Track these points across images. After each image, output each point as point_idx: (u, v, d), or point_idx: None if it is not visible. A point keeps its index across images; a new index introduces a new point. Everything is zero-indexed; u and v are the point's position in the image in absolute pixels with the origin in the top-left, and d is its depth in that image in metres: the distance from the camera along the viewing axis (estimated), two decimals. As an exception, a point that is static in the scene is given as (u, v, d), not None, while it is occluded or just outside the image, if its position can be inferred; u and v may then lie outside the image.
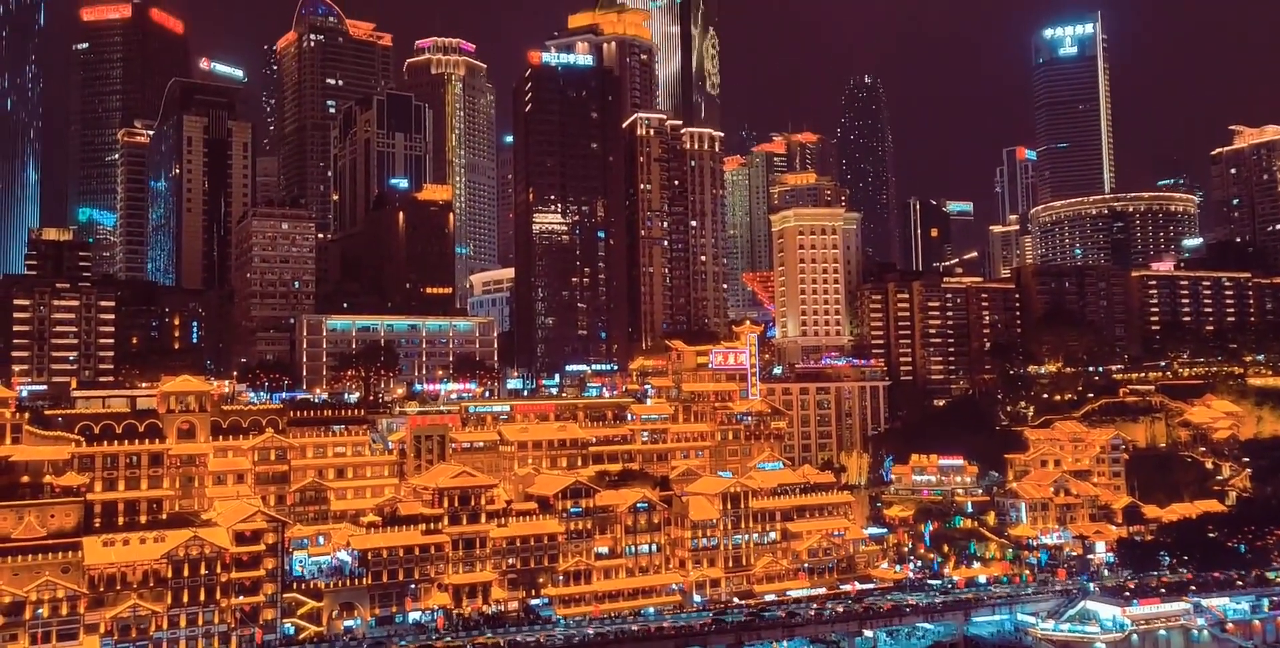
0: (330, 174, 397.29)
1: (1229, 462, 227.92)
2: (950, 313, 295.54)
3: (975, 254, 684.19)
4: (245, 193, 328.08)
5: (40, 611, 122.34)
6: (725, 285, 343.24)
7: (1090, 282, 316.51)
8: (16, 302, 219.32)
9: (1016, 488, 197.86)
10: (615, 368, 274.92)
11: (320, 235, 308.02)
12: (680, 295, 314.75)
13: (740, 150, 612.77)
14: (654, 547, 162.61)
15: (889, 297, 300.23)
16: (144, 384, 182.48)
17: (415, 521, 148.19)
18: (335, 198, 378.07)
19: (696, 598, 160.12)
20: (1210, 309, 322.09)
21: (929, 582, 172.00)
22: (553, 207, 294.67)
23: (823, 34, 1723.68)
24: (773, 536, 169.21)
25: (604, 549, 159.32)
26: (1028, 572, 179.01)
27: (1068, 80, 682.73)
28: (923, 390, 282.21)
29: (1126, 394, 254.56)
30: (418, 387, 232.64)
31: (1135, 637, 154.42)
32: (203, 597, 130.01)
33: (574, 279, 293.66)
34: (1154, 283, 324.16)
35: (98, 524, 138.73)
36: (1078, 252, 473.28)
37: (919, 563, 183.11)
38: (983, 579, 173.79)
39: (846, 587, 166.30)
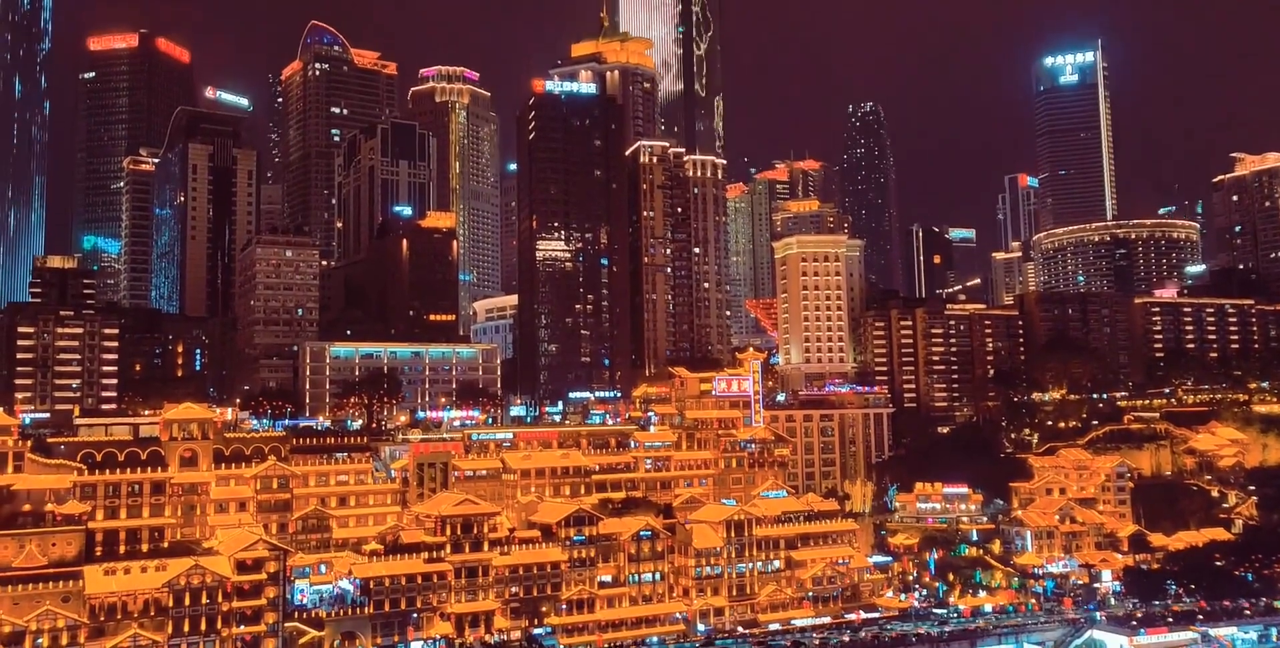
0: (334, 202, 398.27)
1: (1235, 490, 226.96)
2: (954, 340, 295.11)
3: (978, 281, 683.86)
4: (249, 220, 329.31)
5: (40, 640, 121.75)
6: (728, 312, 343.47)
7: (1093, 308, 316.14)
8: (20, 329, 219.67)
9: (1022, 516, 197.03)
10: (618, 395, 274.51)
11: (324, 262, 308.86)
12: (683, 322, 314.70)
13: (743, 177, 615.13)
14: (657, 575, 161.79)
15: (892, 323, 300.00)
16: (147, 412, 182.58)
17: (418, 549, 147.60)
18: (339, 225, 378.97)
19: (700, 627, 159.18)
20: (1214, 336, 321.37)
21: (934, 611, 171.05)
22: (556, 234, 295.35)
23: (825, 62, 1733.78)
24: (777, 564, 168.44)
25: (607, 578, 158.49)
26: (1034, 601, 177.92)
27: (1069, 108, 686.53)
28: (926, 418, 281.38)
29: (1131, 421, 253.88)
30: (421, 414, 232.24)
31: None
32: (204, 626, 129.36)
33: (577, 306, 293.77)
34: (1157, 310, 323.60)
35: (99, 553, 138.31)
36: (1080, 278, 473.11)
37: (924, 592, 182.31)
38: (988, 608, 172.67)
39: (851, 616, 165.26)
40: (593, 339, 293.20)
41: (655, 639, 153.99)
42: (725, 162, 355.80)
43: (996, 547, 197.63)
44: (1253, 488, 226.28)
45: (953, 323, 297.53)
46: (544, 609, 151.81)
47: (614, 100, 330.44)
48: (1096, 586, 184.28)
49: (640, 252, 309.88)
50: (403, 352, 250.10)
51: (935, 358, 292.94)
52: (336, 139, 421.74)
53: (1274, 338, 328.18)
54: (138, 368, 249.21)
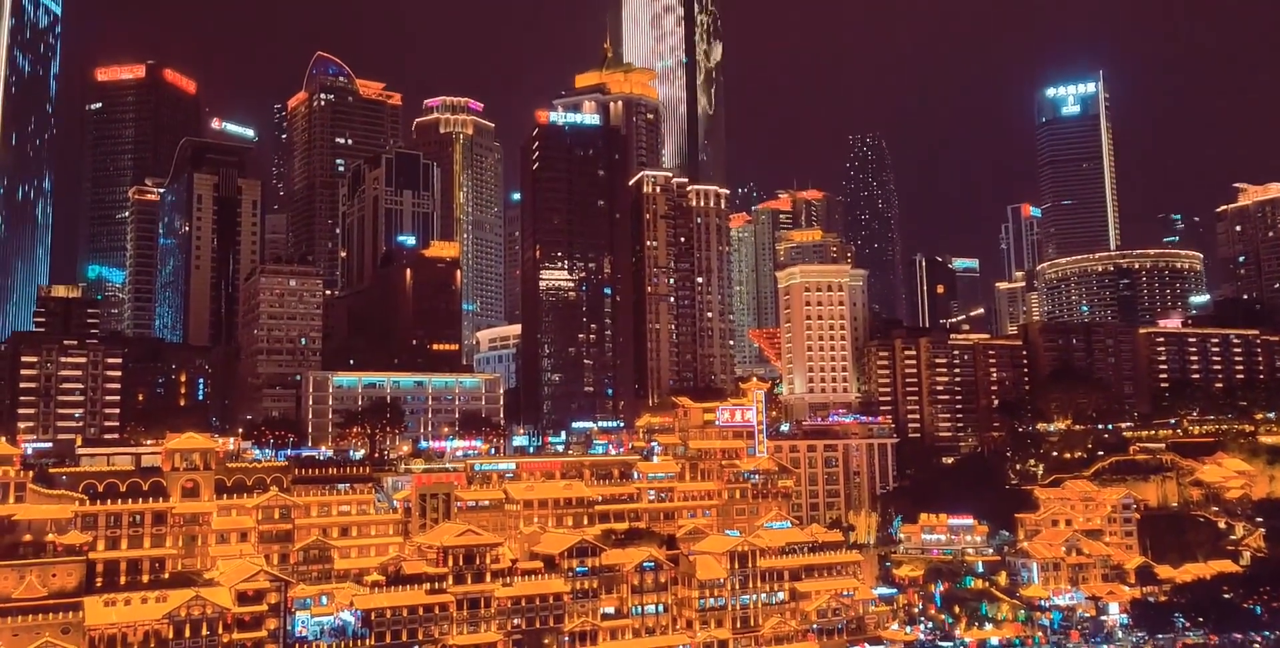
0: (338, 231, 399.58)
1: (1242, 521, 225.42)
2: (958, 370, 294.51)
3: (981, 311, 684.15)
4: (254, 250, 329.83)
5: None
6: (732, 342, 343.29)
7: (1098, 338, 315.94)
8: (24, 359, 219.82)
9: (1028, 548, 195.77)
10: (622, 425, 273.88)
11: (328, 292, 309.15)
12: (687, 352, 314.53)
13: (746, 207, 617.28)
14: (661, 607, 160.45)
15: (896, 353, 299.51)
16: (149, 441, 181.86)
17: (419, 580, 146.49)
18: (343, 255, 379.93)
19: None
20: (1219, 366, 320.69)
21: (940, 643, 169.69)
22: (559, 263, 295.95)
23: (827, 92, 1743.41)
24: (781, 596, 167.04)
25: (610, 609, 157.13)
26: (1040, 633, 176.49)
27: (1071, 138, 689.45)
28: (931, 448, 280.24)
29: (1136, 452, 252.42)
30: (423, 444, 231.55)
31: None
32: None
33: (580, 336, 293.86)
34: (1162, 340, 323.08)
35: (99, 584, 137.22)
36: (1084, 308, 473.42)
37: (930, 624, 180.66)
38: (995, 641, 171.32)
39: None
40: (596, 369, 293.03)
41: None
42: (728, 191, 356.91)
43: (1002, 579, 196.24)
44: (1260, 520, 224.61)
45: (956, 353, 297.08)
46: (546, 641, 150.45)
47: (617, 131, 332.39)
48: (1104, 618, 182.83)
49: (643, 281, 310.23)
50: (406, 381, 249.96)
51: (939, 388, 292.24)
52: (341, 169, 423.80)
53: (1279, 368, 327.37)
54: (141, 397, 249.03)
